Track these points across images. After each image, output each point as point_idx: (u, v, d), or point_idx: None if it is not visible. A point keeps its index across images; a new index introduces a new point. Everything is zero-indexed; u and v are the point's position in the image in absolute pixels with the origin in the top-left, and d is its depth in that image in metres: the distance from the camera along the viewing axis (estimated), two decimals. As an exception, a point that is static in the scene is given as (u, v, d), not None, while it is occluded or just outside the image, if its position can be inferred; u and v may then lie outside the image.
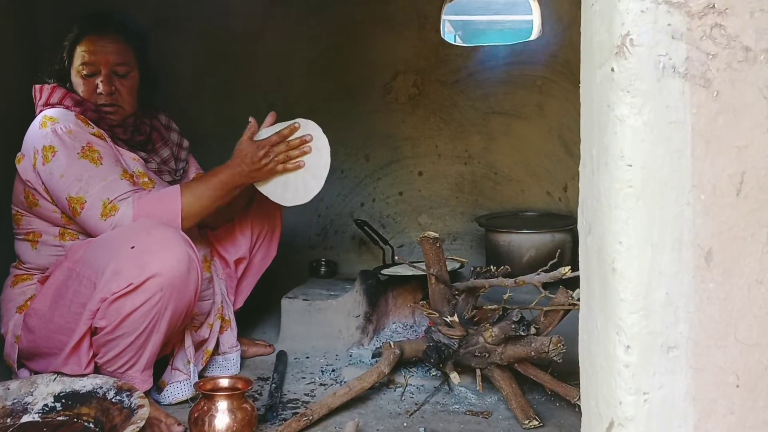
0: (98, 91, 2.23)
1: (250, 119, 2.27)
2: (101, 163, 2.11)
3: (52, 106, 2.21)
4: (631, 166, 1.10)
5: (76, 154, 2.10)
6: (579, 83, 1.26)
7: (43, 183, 2.12)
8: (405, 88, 3.53)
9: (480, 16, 8.71)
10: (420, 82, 3.52)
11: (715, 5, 1.08)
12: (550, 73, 3.44)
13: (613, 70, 1.11)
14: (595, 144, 1.18)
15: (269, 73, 3.51)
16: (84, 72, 2.23)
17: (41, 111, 2.21)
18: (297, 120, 2.26)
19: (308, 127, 2.25)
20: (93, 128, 2.19)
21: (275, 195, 2.28)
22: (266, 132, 2.26)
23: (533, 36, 3.53)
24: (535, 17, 3.53)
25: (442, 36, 3.56)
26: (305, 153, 2.23)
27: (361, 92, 3.53)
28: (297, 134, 2.24)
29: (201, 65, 3.44)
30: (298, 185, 2.26)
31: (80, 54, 2.23)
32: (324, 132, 2.27)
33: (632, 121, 1.10)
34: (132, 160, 2.26)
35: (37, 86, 2.26)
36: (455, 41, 4.86)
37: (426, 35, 3.50)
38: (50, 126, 2.13)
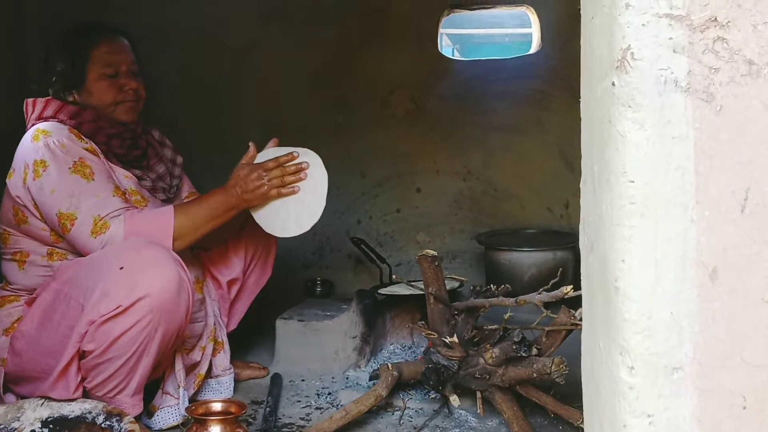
0: (126, 89, 2.25)
1: (250, 144, 2.26)
2: (93, 179, 2.10)
3: (46, 119, 2.19)
4: (633, 182, 1.10)
5: (68, 168, 2.08)
6: (579, 98, 1.25)
7: (33, 198, 2.10)
8: (402, 103, 3.52)
9: (478, 29, 8.75)
10: (418, 97, 3.51)
11: (717, 18, 1.08)
12: (549, 87, 3.44)
13: (613, 84, 1.10)
14: (596, 160, 1.17)
15: (263, 88, 3.50)
16: (107, 73, 2.24)
17: (33, 125, 2.19)
18: (297, 149, 2.24)
19: (307, 156, 2.24)
20: (86, 143, 2.17)
21: (267, 223, 2.26)
22: (265, 156, 2.24)
23: (532, 50, 3.53)
24: (534, 31, 3.53)
25: (440, 50, 3.55)
26: (301, 179, 2.21)
27: (357, 107, 3.52)
28: (295, 162, 2.23)
29: (194, 79, 3.43)
30: (290, 216, 2.24)
31: (100, 57, 2.24)
32: (321, 155, 2.25)
33: (634, 137, 1.09)
34: (124, 177, 2.25)
35: (29, 100, 2.24)
36: (453, 55, 4.87)
37: (423, 49, 3.49)
38: (43, 139, 2.11)
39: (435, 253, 2.27)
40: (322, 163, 2.24)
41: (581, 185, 1.26)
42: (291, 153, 2.22)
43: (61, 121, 2.19)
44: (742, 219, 1.09)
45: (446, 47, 7.57)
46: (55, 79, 2.24)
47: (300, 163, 2.21)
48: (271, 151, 2.26)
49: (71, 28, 2.32)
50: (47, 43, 2.32)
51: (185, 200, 2.48)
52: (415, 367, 2.27)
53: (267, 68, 3.50)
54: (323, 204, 2.24)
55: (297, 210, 2.23)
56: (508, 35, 8.44)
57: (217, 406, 1.96)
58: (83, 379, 1.96)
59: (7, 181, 2.15)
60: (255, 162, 2.24)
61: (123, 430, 1.80)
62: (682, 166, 1.09)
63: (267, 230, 2.27)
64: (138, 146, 2.32)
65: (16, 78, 3.05)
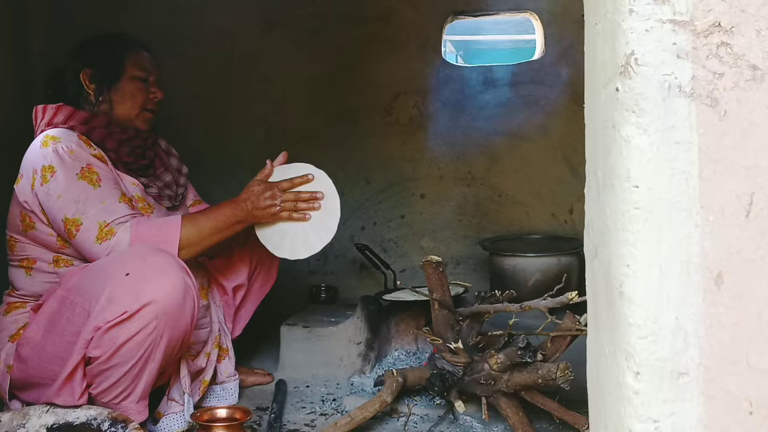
0: (151, 96, 2.33)
1: (267, 162, 2.26)
2: (100, 185, 2.10)
3: (56, 125, 2.20)
4: (637, 187, 1.10)
5: (75, 174, 2.09)
6: (583, 103, 1.25)
7: (40, 204, 2.10)
8: (406, 110, 3.52)
9: (482, 36, 8.74)
10: (421, 104, 3.51)
11: (721, 24, 1.08)
12: (553, 93, 3.43)
13: (617, 89, 1.10)
14: (601, 165, 1.17)
15: (268, 96, 3.51)
16: (141, 76, 2.31)
17: (43, 131, 2.20)
18: (313, 171, 2.24)
19: (322, 184, 2.23)
20: (95, 150, 2.18)
21: (271, 243, 2.25)
22: (280, 173, 2.24)
23: (536, 56, 3.52)
24: (538, 37, 3.53)
25: (444, 56, 3.55)
26: (313, 208, 2.22)
27: (361, 114, 3.52)
28: (310, 187, 2.23)
29: (198, 88, 3.44)
30: (297, 238, 2.24)
31: (136, 62, 2.32)
32: (325, 162, 2.25)
33: (638, 142, 1.09)
34: (131, 184, 2.25)
35: (39, 107, 2.25)
36: (457, 62, 4.87)
37: (427, 56, 3.49)
38: (52, 145, 2.12)
39: (439, 259, 2.26)
40: (337, 198, 2.23)
41: (585, 190, 1.26)
42: (307, 175, 2.23)
43: (72, 128, 2.20)
44: (746, 224, 1.09)
45: (450, 53, 7.57)
46: (93, 71, 2.27)
47: (315, 192, 2.22)
48: (287, 169, 2.24)
49: (106, 33, 2.38)
50: (75, 46, 2.34)
51: (190, 208, 2.48)
52: (420, 373, 2.26)
53: (271, 76, 3.51)
54: (328, 240, 2.24)
55: (301, 237, 2.23)
56: (512, 41, 8.44)
57: (222, 413, 1.96)
58: (89, 386, 1.96)
59: (15, 186, 2.16)
60: (270, 179, 2.24)
61: (128, 436, 1.80)
62: (686, 171, 1.09)
63: (270, 249, 2.26)
64: (146, 156, 2.34)
65: (20, 87, 3.07)
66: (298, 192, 2.21)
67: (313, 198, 2.22)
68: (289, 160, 2.31)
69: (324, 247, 2.25)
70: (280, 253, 2.27)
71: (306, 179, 2.23)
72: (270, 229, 2.24)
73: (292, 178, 2.22)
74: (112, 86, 2.28)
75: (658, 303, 1.10)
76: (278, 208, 2.20)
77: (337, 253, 3.58)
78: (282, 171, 2.25)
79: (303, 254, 2.25)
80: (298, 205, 2.21)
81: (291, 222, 2.22)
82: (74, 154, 2.12)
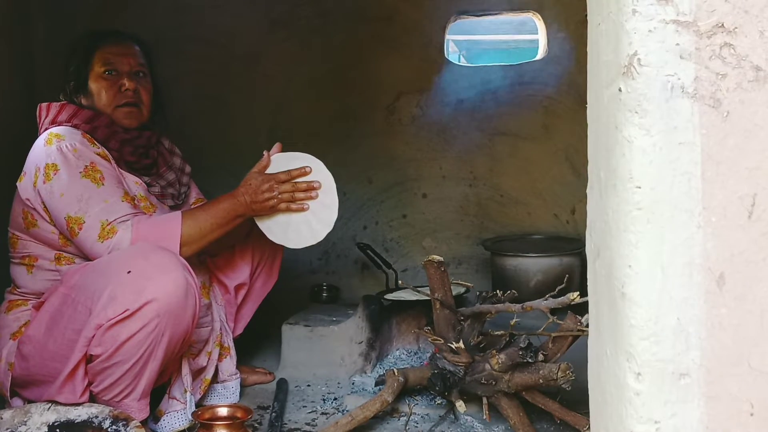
0: (123, 89, 2.25)
1: (264, 153, 2.26)
2: (103, 184, 2.10)
3: (60, 124, 2.20)
4: (639, 188, 1.09)
5: (79, 173, 2.09)
6: (586, 104, 1.25)
7: (42, 202, 2.10)
8: (408, 109, 3.52)
9: (484, 36, 8.73)
10: (424, 103, 3.51)
11: (724, 24, 1.07)
12: (556, 93, 3.43)
13: (620, 90, 1.10)
14: (603, 165, 1.17)
15: (270, 95, 3.51)
16: (107, 73, 2.26)
17: (47, 129, 2.20)
18: (312, 161, 2.24)
19: (320, 175, 2.23)
20: (98, 148, 2.18)
21: (272, 233, 2.26)
22: (278, 162, 2.24)
23: (539, 56, 3.52)
24: (541, 37, 3.53)
25: (447, 56, 3.55)
26: (311, 198, 2.22)
27: (363, 113, 3.52)
28: (307, 177, 2.23)
29: (200, 87, 3.44)
30: (301, 227, 2.24)
31: (101, 58, 2.26)
32: (328, 161, 2.25)
33: (640, 142, 1.09)
34: (134, 183, 2.25)
35: (43, 105, 2.26)
36: (459, 61, 4.86)
37: (429, 55, 3.50)
38: (56, 143, 2.12)
39: (441, 259, 2.26)
40: (334, 186, 2.23)
41: (588, 191, 1.26)
42: (304, 168, 2.22)
43: (75, 126, 2.20)
44: (749, 225, 1.09)
45: (453, 53, 7.56)
46: (71, 82, 2.27)
47: (312, 182, 2.22)
48: (284, 160, 2.25)
49: (85, 32, 2.35)
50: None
51: (193, 206, 2.48)
52: (421, 373, 2.26)
53: (274, 75, 3.51)
54: (329, 228, 2.24)
55: (302, 226, 2.23)
56: (515, 41, 8.43)
57: (223, 411, 1.96)
58: (90, 384, 1.96)
59: (17, 184, 2.16)
60: (268, 171, 2.24)
61: (129, 434, 1.81)
62: (689, 172, 1.09)
63: (270, 238, 2.27)
64: (149, 155, 2.33)
65: (22, 86, 3.07)
66: (296, 183, 2.21)
67: (310, 188, 2.22)
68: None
69: (327, 234, 2.26)
70: (285, 243, 2.28)
71: (303, 172, 2.22)
72: (272, 220, 2.25)
73: (289, 171, 2.21)
74: (82, 89, 2.26)
75: (660, 304, 1.10)
76: (275, 200, 2.20)
77: (339, 253, 3.58)
78: (280, 159, 2.25)
79: (308, 242, 2.26)
80: (295, 195, 2.21)
81: (291, 212, 2.23)
82: (78, 153, 2.12)
